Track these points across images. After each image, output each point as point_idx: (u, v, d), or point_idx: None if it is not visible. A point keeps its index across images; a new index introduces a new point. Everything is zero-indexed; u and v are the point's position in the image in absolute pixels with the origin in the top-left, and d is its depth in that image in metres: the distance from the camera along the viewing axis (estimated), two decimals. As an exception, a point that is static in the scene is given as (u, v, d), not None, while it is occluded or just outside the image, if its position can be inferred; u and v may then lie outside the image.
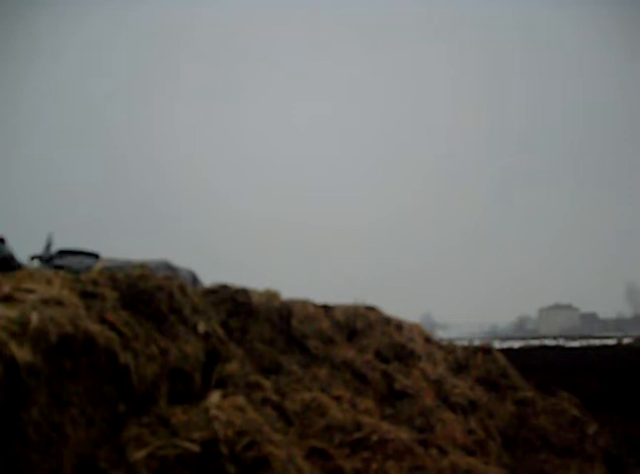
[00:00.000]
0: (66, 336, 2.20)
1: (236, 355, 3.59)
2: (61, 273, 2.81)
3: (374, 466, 3.13)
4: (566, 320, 75.63)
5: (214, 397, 2.81)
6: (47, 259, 6.81)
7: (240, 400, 2.81)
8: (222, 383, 3.19)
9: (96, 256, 7.19)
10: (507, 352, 6.58)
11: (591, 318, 76.67)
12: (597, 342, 7.97)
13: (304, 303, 4.86)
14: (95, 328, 2.39)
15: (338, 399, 3.81)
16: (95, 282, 2.86)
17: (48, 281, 2.52)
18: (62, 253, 7.01)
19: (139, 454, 2.30)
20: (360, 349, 4.81)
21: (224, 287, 4.33)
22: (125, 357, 2.52)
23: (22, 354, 1.99)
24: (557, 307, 79.54)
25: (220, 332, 3.53)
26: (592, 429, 5.42)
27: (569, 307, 79.43)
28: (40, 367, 2.05)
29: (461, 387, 5.02)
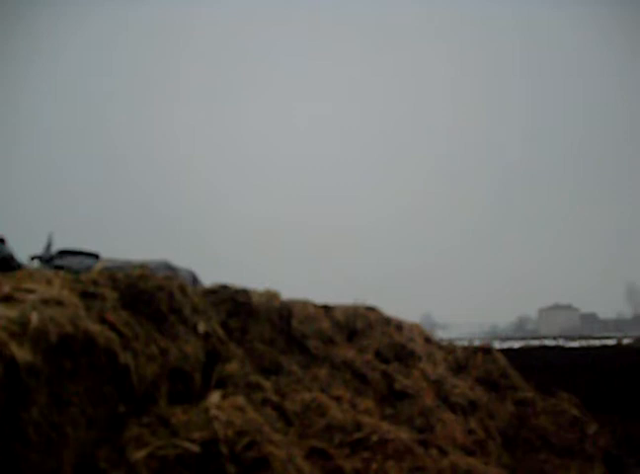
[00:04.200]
0: (66, 336, 2.21)
1: (236, 355, 3.59)
2: (61, 273, 2.81)
3: (374, 466, 3.13)
4: (566, 320, 75.60)
5: (214, 397, 2.81)
6: (47, 259, 6.80)
7: (240, 400, 2.81)
8: (222, 383, 3.19)
9: (96, 256, 7.18)
10: (507, 352, 6.58)
11: (591, 318, 76.64)
12: (596, 342, 7.96)
13: (304, 303, 4.86)
14: (95, 328, 2.39)
15: (338, 399, 3.81)
16: (95, 283, 2.86)
17: (48, 282, 2.52)
18: (62, 253, 7.00)
19: (139, 454, 2.30)
20: (360, 349, 4.81)
21: (224, 287, 4.33)
22: (125, 357, 2.53)
23: (22, 354, 1.99)
24: (557, 307, 79.52)
25: (220, 332, 3.53)
26: (592, 429, 5.41)
27: (569, 307, 79.41)
28: (40, 367, 2.05)
29: (461, 387, 5.02)
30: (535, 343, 8.11)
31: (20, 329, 2.06)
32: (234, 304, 4.24)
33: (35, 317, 2.12)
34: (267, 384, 3.45)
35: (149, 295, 3.02)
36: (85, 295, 2.63)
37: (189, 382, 2.98)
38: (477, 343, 6.78)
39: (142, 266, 3.29)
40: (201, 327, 3.28)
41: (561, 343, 7.97)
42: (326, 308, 5.13)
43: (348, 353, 4.61)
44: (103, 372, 2.39)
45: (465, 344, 6.50)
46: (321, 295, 5.30)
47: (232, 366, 3.36)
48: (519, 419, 5.31)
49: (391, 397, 4.42)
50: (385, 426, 3.56)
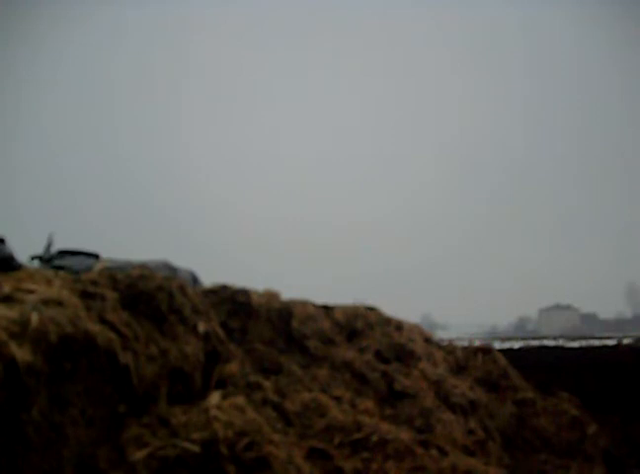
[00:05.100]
0: (66, 336, 2.21)
1: (236, 355, 3.59)
2: (61, 273, 2.81)
3: (374, 466, 3.14)
4: (566, 320, 75.61)
5: (214, 397, 2.81)
6: (47, 259, 6.80)
7: (240, 400, 2.82)
8: (222, 383, 3.19)
9: (96, 256, 7.18)
10: (507, 352, 6.58)
11: (591, 318, 76.65)
12: (596, 342, 7.96)
13: (304, 304, 4.86)
14: (95, 328, 2.40)
15: (338, 399, 3.81)
16: (95, 283, 2.86)
17: (48, 282, 2.53)
18: (62, 253, 7.00)
19: (139, 454, 2.30)
20: (361, 349, 4.81)
21: (224, 288, 4.33)
22: (125, 358, 2.53)
23: (22, 354, 1.99)
24: (557, 307, 79.52)
25: (220, 332, 3.53)
26: (592, 429, 5.42)
27: (569, 307, 79.40)
28: (40, 367, 2.05)
29: (461, 387, 5.02)
30: (535, 343, 8.10)
31: (20, 329, 2.06)
32: (234, 304, 4.24)
33: (35, 317, 2.12)
34: (267, 384, 3.45)
35: (149, 295, 3.02)
36: (85, 295, 2.63)
37: (189, 382, 2.98)
38: (477, 343, 6.77)
39: (142, 266, 3.30)
40: (201, 327, 3.28)
41: (561, 343, 7.96)
42: (326, 308, 5.13)
43: (348, 353, 4.61)
44: (103, 372, 2.40)
45: (465, 344, 6.49)
46: (321, 295, 5.31)
47: (232, 367, 3.36)
48: (518, 419, 5.31)
49: (391, 397, 4.42)
50: (385, 426, 3.57)
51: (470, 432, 4.41)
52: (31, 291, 2.30)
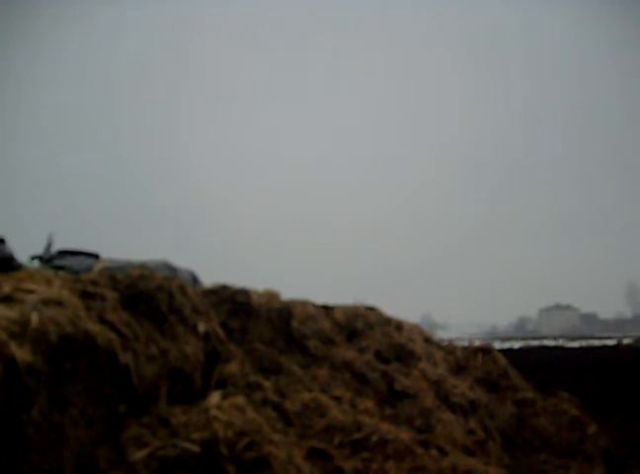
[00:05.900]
0: (66, 336, 2.21)
1: (236, 355, 3.59)
2: (61, 273, 2.81)
3: (374, 466, 3.14)
4: (566, 320, 75.62)
5: (214, 397, 2.81)
6: (47, 259, 6.80)
7: (240, 400, 2.82)
8: (222, 383, 3.19)
9: (96, 256, 7.18)
10: (507, 352, 6.58)
11: (591, 318, 76.67)
12: (596, 342, 7.96)
13: (304, 304, 4.86)
14: (95, 328, 2.40)
15: (338, 399, 3.81)
16: (95, 283, 2.86)
17: (48, 282, 2.53)
18: (62, 253, 7.00)
19: (139, 454, 2.30)
20: (361, 349, 4.81)
21: (224, 288, 4.33)
22: (125, 358, 2.53)
23: (22, 354, 1.99)
24: (557, 308, 79.54)
25: (220, 332, 3.53)
26: (592, 429, 5.42)
27: (569, 307, 79.42)
28: (40, 367, 2.05)
29: (461, 387, 5.02)
30: (535, 343, 8.10)
31: (20, 329, 2.06)
32: (234, 304, 4.24)
33: (35, 317, 2.12)
34: (267, 384, 3.45)
35: (149, 295, 3.02)
36: (85, 295, 2.63)
37: (189, 382, 2.98)
38: (477, 343, 6.77)
39: (142, 266, 3.30)
40: (201, 327, 3.28)
41: (561, 343, 7.96)
42: (326, 308, 5.13)
43: (348, 353, 4.61)
44: (103, 372, 2.40)
45: (465, 344, 6.50)
46: (321, 295, 5.30)
47: (232, 367, 3.36)
48: (518, 419, 5.31)
49: (391, 397, 4.42)
50: (385, 426, 3.57)
51: (470, 432, 4.41)
52: (31, 291, 2.30)
